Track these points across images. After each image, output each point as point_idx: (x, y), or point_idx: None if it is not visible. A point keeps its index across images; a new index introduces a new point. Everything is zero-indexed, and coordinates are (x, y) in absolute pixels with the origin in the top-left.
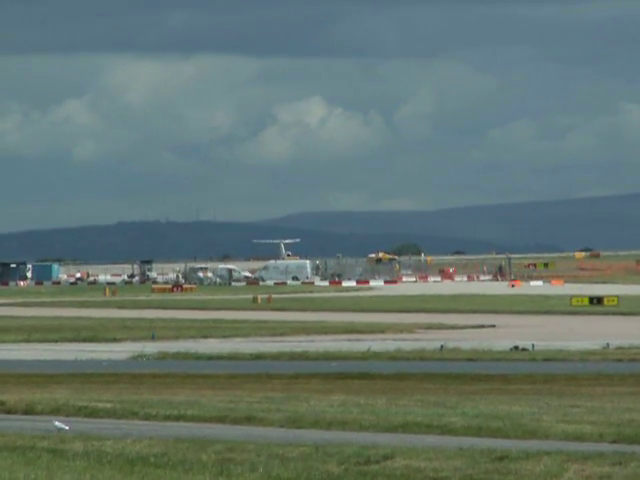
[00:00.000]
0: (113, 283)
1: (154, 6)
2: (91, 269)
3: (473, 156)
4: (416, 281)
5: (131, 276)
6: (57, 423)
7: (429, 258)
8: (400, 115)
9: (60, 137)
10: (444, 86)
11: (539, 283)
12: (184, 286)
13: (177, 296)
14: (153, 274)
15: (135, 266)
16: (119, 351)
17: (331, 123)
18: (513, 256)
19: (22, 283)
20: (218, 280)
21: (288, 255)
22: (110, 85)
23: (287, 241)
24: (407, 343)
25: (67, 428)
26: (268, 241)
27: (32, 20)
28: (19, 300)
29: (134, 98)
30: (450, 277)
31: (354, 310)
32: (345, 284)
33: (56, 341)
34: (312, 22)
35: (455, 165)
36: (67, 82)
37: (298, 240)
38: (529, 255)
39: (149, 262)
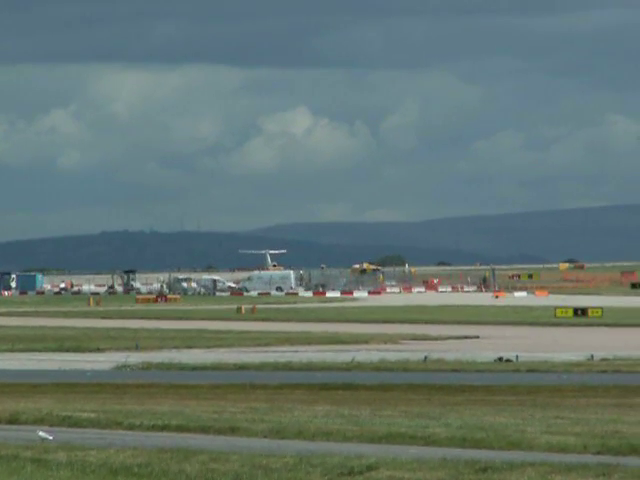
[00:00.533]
0: (97, 293)
1: (141, 17)
2: (75, 279)
3: (458, 167)
4: (400, 292)
5: (111, 287)
6: (41, 433)
7: (413, 269)
8: (386, 126)
9: (45, 147)
10: (430, 97)
11: (523, 294)
12: (168, 296)
13: (161, 306)
14: (137, 284)
15: (115, 277)
16: (103, 361)
17: (317, 134)
18: (497, 267)
19: (6, 293)
20: (202, 290)
21: (274, 266)
22: (96, 95)
23: (273, 251)
24: (391, 354)
25: (51, 438)
26: (254, 251)
27: (18, 29)
28: (3, 310)
29: (120, 108)
30: (434, 288)
31: (338, 321)
32: (329, 295)
33: (40, 351)
34: (298, 33)
35: (440, 176)
36: (53, 92)
37: (284, 251)
38: (513, 266)
39: (132, 272)
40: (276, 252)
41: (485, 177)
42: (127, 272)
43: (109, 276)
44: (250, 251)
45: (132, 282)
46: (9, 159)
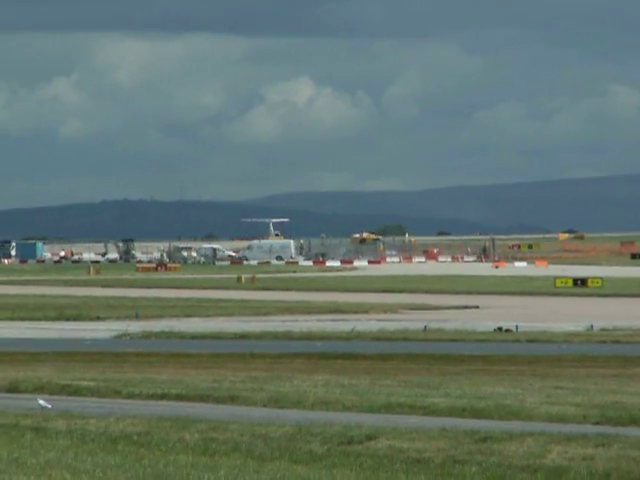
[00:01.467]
0: (97, 262)
1: None
2: (75, 247)
3: (460, 137)
4: (400, 261)
5: (103, 255)
6: (41, 401)
7: (413, 239)
8: (388, 95)
9: (47, 115)
10: (432, 67)
11: (523, 264)
12: (168, 265)
13: (161, 275)
14: (137, 253)
15: (109, 245)
16: (103, 330)
17: (319, 103)
18: (497, 237)
19: (6, 261)
20: (202, 259)
21: (277, 235)
22: (98, 64)
23: (275, 220)
24: (391, 323)
25: (49, 406)
26: (257, 220)
27: None
28: (3, 278)
29: (122, 77)
30: (434, 258)
31: (338, 290)
32: (329, 264)
33: (40, 319)
34: (301, 2)
35: (441, 146)
36: (55, 60)
37: (287, 220)
38: (513, 236)
39: (131, 241)
40: (279, 221)
41: (486, 147)
42: (126, 241)
43: (110, 245)
44: (253, 219)
45: (133, 251)
46: (11, 128)
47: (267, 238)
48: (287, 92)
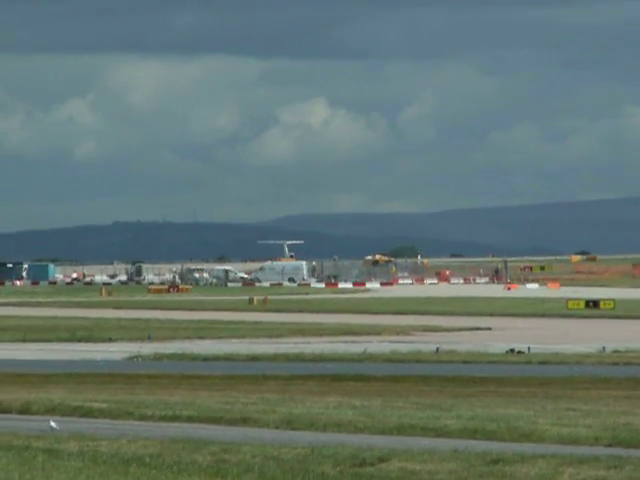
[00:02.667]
0: (109, 283)
1: (158, 7)
2: (87, 269)
3: (475, 159)
4: (412, 283)
5: (112, 277)
6: (52, 423)
7: (425, 260)
8: (403, 117)
9: (62, 137)
10: (447, 88)
11: (535, 286)
12: (180, 287)
13: (173, 297)
14: (148, 275)
15: (118, 267)
16: (115, 351)
17: (334, 125)
18: (510, 259)
19: (18, 283)
20: (214, 281)
21: (291, 256)
22: (114, 85)
23: (290, 242)
24: (403, 345)
25: (58, 428)
26: (272, 242)
27: (37, 20)
28: (15, 300)
29: (138, 98)
30: (446, 279)
31: (350, 312)
32: (341, 286)
33: (52, 341)
34: (316, 24)
35: (456, 167)
36: (71, 82)
37: (302, 241)
38: (525, 258)
39: (140, 262)
40: (293, 242)
41: (501, 169)
42: (134, 263)
43: (121, 266)
44: (269, 241)
45: (142, 274)
46: (25, 149)
47: (279, 260)
48: (302, 114)
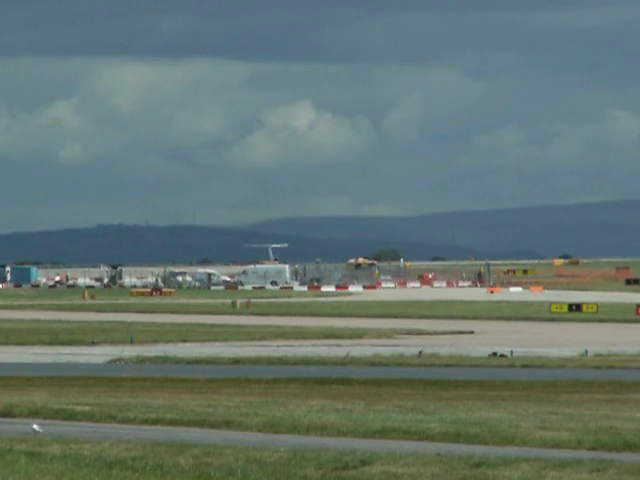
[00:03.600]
0: (92, 286)
1: (144, 10)
2: (70, 272)
3: (459, 162)
4: (395, 287)
5: (98, 280)
6: (35, 426)
7: (408, 264)
8: (388, 121)
9: (47, 140)
10: (432, 92)
11: (518, 289)
12: (163, 290)
13: (156, 300)
14: (127, 279)
15: (102, 269)
16: (98, 354)
17: (319, 128)
18: (492, 262)
19: (1, 286)
20: (197, 284)
21: (276, 260)
22: (98, 88)
23: (275, 245)
24: (385, 348)
25: (41, 431)
26: (258, 245)
27: (23, 22)
28: None
29: (123, 101)
30: (429, 283)
31: (333, 315)
32: (324, 289)
33: (34, 344)
34: (302, 27)
35: (441, 171)
36: (55, 85)
37: (286, 245)
38: (508, 261)
39: (119, 266)
40: (278, 246)
41: (485, 172)
42: (114, 266)
43: (101, 269)
44: (253, 245)
45: (121, 277)
46: (9, 152)
47: (262, 263)
48: (287, 117)
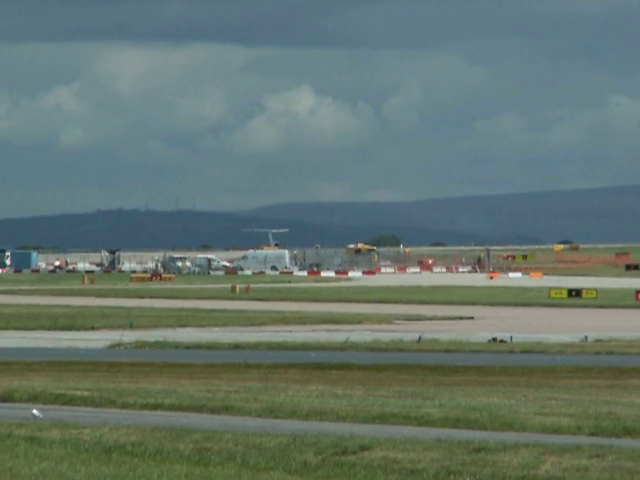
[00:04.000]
0: (92, 271)
1: None
2: (70, 257)
3: (460, 148)
4: (395, 272)
5: (98, 265)
6: (35, 411)
7: (408, 249)
8: (389, 106)
9: (48, 125)
10: (433, 77)
11: (518, 275)
12: (163, 275)
13: (156, 285)
14: (125, 264)
15: (104, 254)
16: (97, 339)
17: (320, 113)
18: (492, 248)
19: (1, 270)
20: (197, 269)
21: (276, 245)
22: (99, 73)
23: (275, 230)
24: (385, 334)
25: (41, 416)
26: (257, 230)
27: (24, 8)
28: None
29: (124, 86)
30: (429, 268)
31: (332, 300)
32: (324, 274)
33: (34, 329)
34: (303, 12)
35: (441, 156)
36: (57, 70)
37: (286, 230)
38: (508, 247)
39: (117, 250)
40: (278, 231)
41: (486, 158)
42: (112, 251)
43: (101, 254)
44: (253, 229)
45: (119, 262)
46: (10, 137)
47: (262, 248)
48: (288, 102)
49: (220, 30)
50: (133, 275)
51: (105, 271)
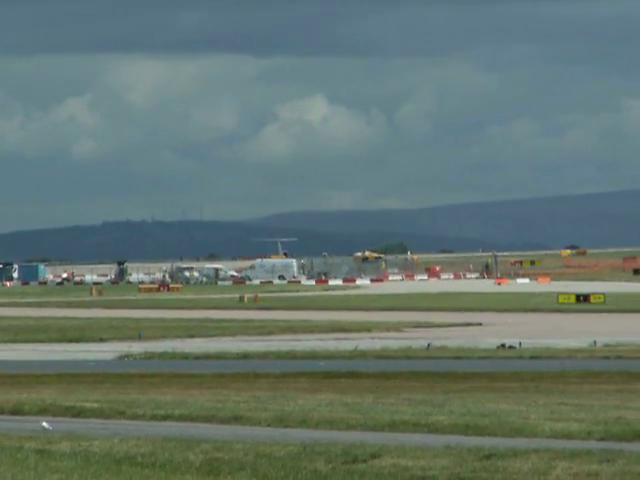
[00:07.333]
0: (99, 283)
1: (157, 6)
2: (77, 269)
3: (473, 155)
4: (402, 279)
5: (106, 276)
6: (44, 423)
7: (415, 256)
8: (402, 114)
9: (61, 137)
10: (446, 85)
11: (525, 281)
12: (170, 286)
13: (164, 296)
14: (133, 275)
15: (110, 267)
16: (106, 351)
17: (333, 122)
18: (499, 254)
19: (8, 284)
20: (204, 279)
21: (285, 254)
22: (111, 84)
23: (284, 239)
24: (394, 341)
25: (50, 428)
26: (266, 239)
27: (36, 20)
28: (5, 300)
29: (136, 97)
30: (436, 275)
31: (340, 309)
32: (331, 283)
33: (43, 341)
34: (315, 21)
35: (451, 163)
36: (69, 81)
37: (295, 239)
38: (515, 253)
39: (124, 262)
40: (287, 240)
41: (498, 164)
42: (120, 263)
43: (110, 266)
44: (263, 239)
45: (127, 274)
46: (23, 150)
47: (270, 257)
48: (301, 111)
49: (232, 40)
50: (141, 286)
51: (113, 282)
